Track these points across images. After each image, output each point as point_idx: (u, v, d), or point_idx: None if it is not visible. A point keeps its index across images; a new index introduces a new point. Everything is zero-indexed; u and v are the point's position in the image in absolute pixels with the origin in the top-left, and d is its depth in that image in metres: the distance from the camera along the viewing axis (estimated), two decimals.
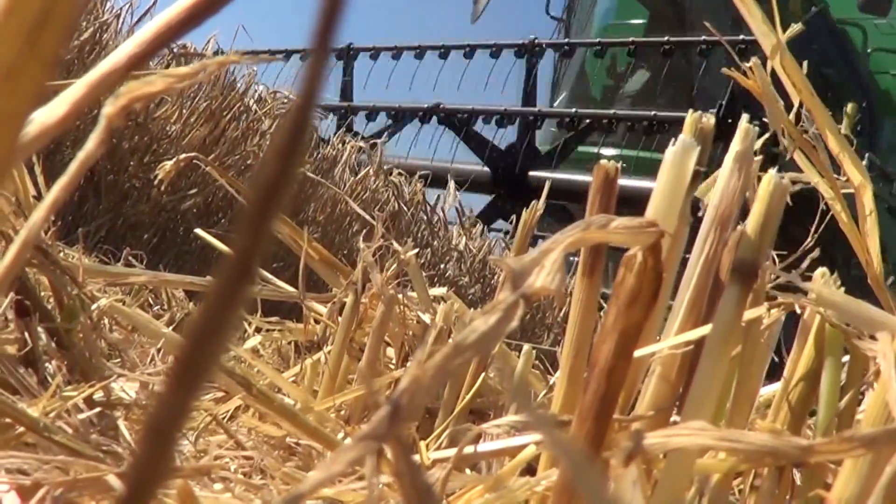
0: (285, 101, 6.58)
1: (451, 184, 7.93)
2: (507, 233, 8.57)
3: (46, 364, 1.38)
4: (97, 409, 1.25)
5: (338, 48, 8.95)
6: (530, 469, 1.04)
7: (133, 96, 0.53)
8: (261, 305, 2.13)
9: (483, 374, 1.59)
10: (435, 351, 0.54)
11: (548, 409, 1.02)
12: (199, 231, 2.20)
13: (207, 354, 0.33)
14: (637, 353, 0.82)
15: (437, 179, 7.84)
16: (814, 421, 0.98)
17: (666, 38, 8.99)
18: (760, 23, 1.17)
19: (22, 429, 1.05)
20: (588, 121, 9.39)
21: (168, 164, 1.77)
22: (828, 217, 1.16)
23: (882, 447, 0.65)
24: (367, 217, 2.03)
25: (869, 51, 10.95)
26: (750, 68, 1.15)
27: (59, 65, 0.34)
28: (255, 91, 6.64)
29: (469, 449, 1.07)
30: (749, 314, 0.90)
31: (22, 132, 0.34)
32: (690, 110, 0.95)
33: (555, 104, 11.36)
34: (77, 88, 0.50)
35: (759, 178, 0.89)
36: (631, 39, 9.51)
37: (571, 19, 12.30)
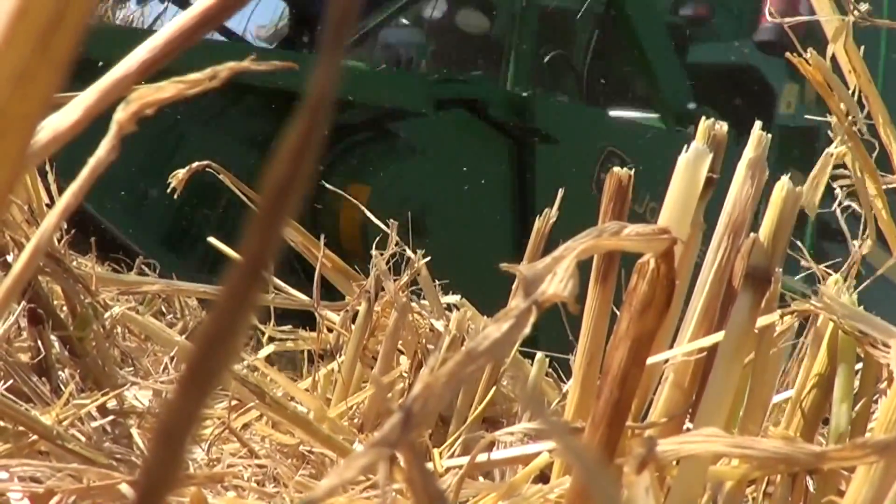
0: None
1: None
2: None
3: (59, 372, 1.38)
4: (110, 418, 1.26)
5: None
6: (543, 477, 1.03)
7: (144, 102, 0.53)
8: (273, 314, 2.13)
9: (496, 383, 1.59)
10: (448, 358, 0.54)
11: (561, 417, 1.01)
12: (211, 240, 2.21)
13: (218, 360, 0.33)
14: (650, 360, 0.82)
15: None
16: (827, 428, 0.98)
17: None
18: (826, 5, 1.15)
19: (35, 437, 1.05)
20: None
21: (181, 172, 1.77)
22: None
23: (895, 454, 0.65)
24: (381, 225, 2.03)
25: None
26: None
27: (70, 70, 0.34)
28: None
29: (482, 456, 1.07)
30: (762, 321, 0.90)
31: (33, 137, 0.34)
32: (704, 117, 0.95)
33: None
34: (89, 94, 0.50)
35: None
36: None
37: None
